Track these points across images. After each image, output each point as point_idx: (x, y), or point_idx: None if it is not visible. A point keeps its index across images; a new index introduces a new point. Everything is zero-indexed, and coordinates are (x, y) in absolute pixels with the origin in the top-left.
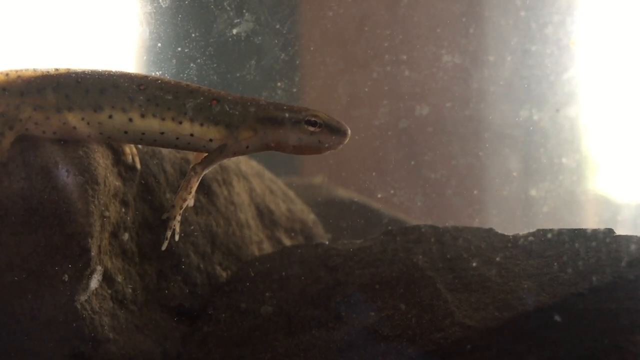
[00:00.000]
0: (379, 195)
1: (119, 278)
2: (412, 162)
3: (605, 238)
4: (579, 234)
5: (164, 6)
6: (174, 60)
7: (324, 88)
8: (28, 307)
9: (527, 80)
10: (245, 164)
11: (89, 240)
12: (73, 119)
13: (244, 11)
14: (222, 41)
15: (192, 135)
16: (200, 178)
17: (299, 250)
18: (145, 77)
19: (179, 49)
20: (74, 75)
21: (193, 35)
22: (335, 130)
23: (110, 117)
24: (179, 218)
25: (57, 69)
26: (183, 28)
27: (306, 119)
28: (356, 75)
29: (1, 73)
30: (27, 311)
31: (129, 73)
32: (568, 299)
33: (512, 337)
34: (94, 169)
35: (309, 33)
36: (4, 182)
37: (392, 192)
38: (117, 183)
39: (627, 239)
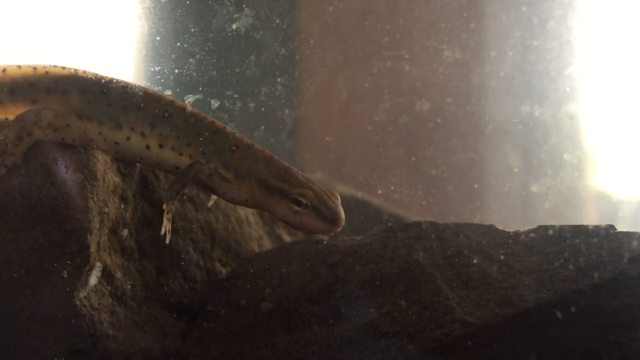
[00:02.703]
0: (379, 192)
1: (118, 274)
2: (413, 158)
3: (607, 234)
4: (580, 231)
5: (162, 1)
6: (173, 56)
7: (324, 83)
8: (27, 303)
9: (528, 76)
10: None
11: (88, 236)
12: (91, 130)
13: (244, 6)
14: (221, 36)
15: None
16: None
17: (299, 247)
18: (172, 102)
19: (178, 44)
20: (101, 82)
21: (192, 30)
22: (322, 216)
23: (128, 138)
24: (172, 208)
25: (84, 71)
26: (182, 23)
27: (292, 196)
28: (356, 70)
29: (29, 66)
30: (26, 308)
31: (156, 94)
32: (569, 295)
33: (513, 333)
34: (92, 165)
35: (309, 28)
36: (2, 179)
37: (392, 188)
38: (116, 179)
39: (629, 235)
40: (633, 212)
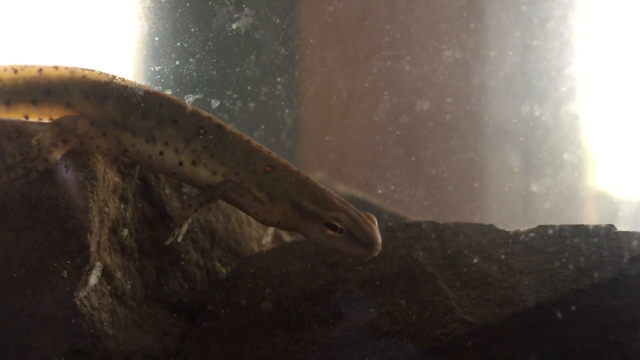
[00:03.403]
0: (380, 191)
1: (118, 274)
2: (413, 158)
3: (607, 234)
4: (580, 231)
5: (162, 1)
6: (173, 55)
7: (324, 83)
8: (27, 303)
9: (528, 76)
10: None
11: (88, 236)
12: (125, 140)
13: (244, 6)
14: (221, 36)
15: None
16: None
17: (299, 247)
18: (208, 119)
19: (178, 43)
20: (138, 92)
21: (192, 30)
22: (358, 241)
23: (161, 153)
24: (190, 216)
25: (123, 79)
26: (182, 23)
27: (326, 220)
28: (356, 70)
29: (66, 68)
30: (26, 307)
31: (193, 109)
32: (569, 295)
33: (513, 333)
34: (93, 164)
35: (309, 28)
36: (2, 178)
37: (392, 188)
38: (116, 179)
39: (629, 235)
40: (633, 212)
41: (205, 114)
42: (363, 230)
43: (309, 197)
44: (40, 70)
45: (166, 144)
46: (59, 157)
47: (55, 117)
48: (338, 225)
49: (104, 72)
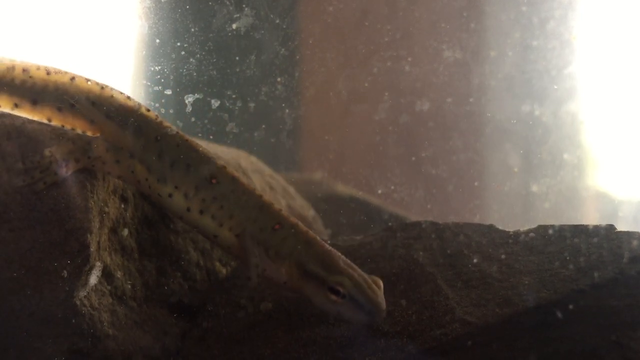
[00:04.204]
0: (380, 191)
1: (118, 274)
2: (413, 158)
3: (607, 234)
4: (580, 230)
5: (162, 1)
6: (173, 55)
7: (324, 83)
8: (27, 303)
9: (528, 75)
10: (245, 159)
11: (88, 236)
12: (140, 173)
13: (244, 6)
14: (221, 36)
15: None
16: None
17: None
18: (222, 169)
19: (178, 43)
20: (159, 128)
21: (192, 30)
22: (360, 307)
23: (170, 195)
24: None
25: (148, 110)
26: (182, 23)
27: (329, 284)
28: (356, 70)
29: (97, 84)
30: (26, 307)
31: (207, 155)
32: (569, 295)
33: (513, 333)
34: None
35: (309, 28)
36: (2, 177)
37: (392, 187)
38: (116, 179)
39: (629, 235)
40: (633, 212)
41: (221, 162)
42: (367, 296)
43: (315, 259)
44: (73, 79)
45: (176, 187)
46: (68, 173)
47: (78, 129)
48: (341, 290)
49: (132, 98)
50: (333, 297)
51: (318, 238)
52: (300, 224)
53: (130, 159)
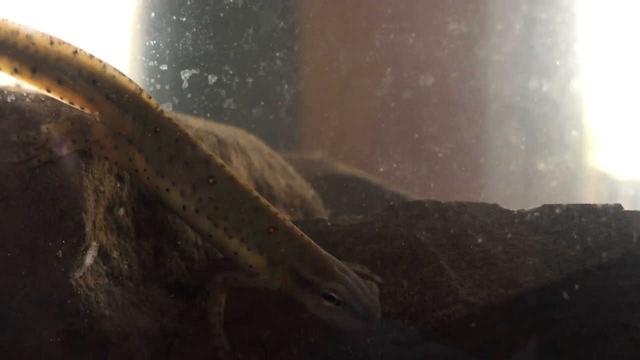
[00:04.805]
0: (381, 169)
1: (115, 254)
2: (416, 135)
3: (615, 214)
4: (588, 210)
5: None
6: (169, 29)
7: (324, 57)
8: (21, 283)
9: (536, 50)
10: (243, 138)
11: (83, 215)
12: (138, 161)
13: None
14: (218, 9)
15: (236, 254)
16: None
17: (299, 226)
18: (221, 167)
19: (174, 17)
20: (159, 118)
21: (188, 2)
22: (354, 314)
23: (167, 190)
24: (220, 329)
25: (149, 96)
26: None
27: (323, 291)
28: (357, 44)
29: (99, 61)
30: (21, 287)
31: (206, 152)
32: (575, 275)
33: (517, 315)
34: None
35: (309, 0)
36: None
37: (394, 166)
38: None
39: (637, 214)
40: (633, 193)
41: (219, 161)
42: (361, 302)
43: (309, 264)
44: (76, 52)
45: (174, 183)
46: (64, 153)
47: (76, 104)
48: (335, 296)
49: (133, 82)
50: (327, 303)
51: (313, 243)
52: (295, 227)
53: (129, 146)
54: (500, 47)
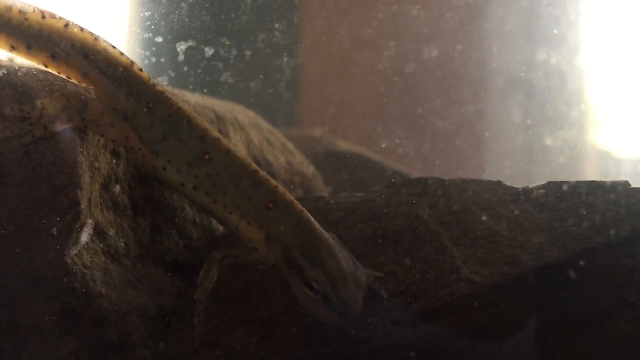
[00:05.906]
0: (383, 145)
1: (111, 232)
2: (419, 110)
3: (624, 191)
4: (596, 186)
5: None
6: (164, 0)
7: (325, 29)
8: (16, 261)
9: (544, 20)
10: (242, 114)
11: (78, 192)
12: (133, 140)
13: None
14: None
15: (237, 228)
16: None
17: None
18: (217, 140)
19: None
20: (151, 92)
21: None
22: (332, 307)
23: (163, 169)
24: (204, 306)
25: (140, 69)
26: None
27: (304, 279)
28: (359, 15)
29: (91, 34)
30: (15, 266)
31: (201, 126)
32: (581, 254)
33: (521, 293)
34: None
35: None
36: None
37: (396, 142)
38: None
39: None
40: (632, 170)
41: (214, 134)
42: (339, 296)
43: (299, 245)
44: (67, 25)
45: (169, 161)
46: (58, 130)
47: (73, 78)
48: (315, 285)
49: (125, 54)
50: (307, 290)
51: (312, 220)
52: (295, 202)
53: (124, 123)
54: (508, 17)
